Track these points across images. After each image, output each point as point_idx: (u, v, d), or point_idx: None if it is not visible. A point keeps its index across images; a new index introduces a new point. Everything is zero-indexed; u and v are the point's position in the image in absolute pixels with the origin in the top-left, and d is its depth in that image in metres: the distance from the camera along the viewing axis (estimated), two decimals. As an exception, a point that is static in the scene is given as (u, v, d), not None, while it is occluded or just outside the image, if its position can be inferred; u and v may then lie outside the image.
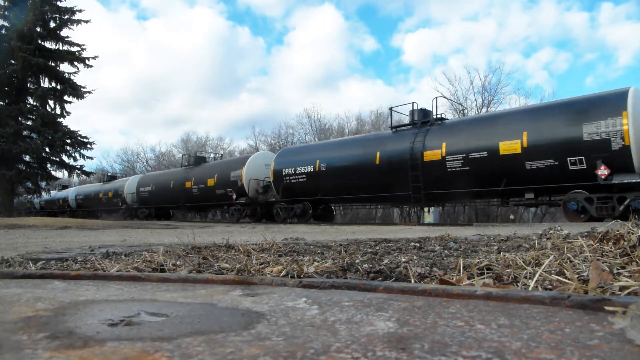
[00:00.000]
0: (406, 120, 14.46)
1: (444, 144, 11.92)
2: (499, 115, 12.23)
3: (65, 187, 35.65)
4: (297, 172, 15.51)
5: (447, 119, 13.52)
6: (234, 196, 17.87)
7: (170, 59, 75.26)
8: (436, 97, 13.29)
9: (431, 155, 12.03)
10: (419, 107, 13.75)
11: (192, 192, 20.13)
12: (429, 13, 65.26)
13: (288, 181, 15.79)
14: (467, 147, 11.40)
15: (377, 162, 13.21)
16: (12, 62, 20.63)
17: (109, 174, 32.82)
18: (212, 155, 25.76)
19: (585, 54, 57.99)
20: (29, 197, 25.87)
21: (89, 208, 28.93)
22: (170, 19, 79.58)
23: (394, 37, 70.49)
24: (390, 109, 15.30)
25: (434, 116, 13.17)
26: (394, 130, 14.07)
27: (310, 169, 15.18)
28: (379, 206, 18.10)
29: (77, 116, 77.57)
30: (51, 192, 29.85)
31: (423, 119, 13.22)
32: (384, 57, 70.96)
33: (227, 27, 78.73)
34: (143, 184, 24.35)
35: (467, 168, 11.34)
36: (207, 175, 19.57)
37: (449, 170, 11.68)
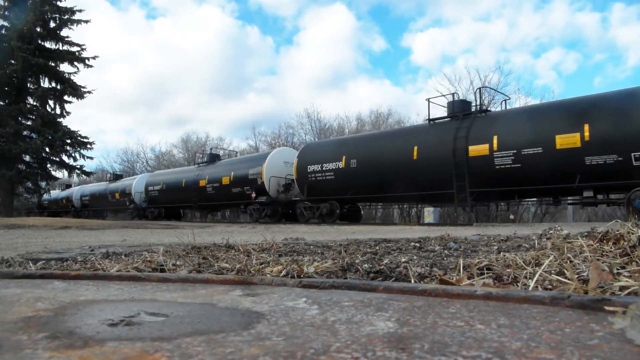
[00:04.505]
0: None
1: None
2: None
3: (68, 186, 35.35)
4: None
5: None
6: (253, 194, 17.06)
7: (178, 58, 74.55)
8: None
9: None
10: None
11: (206, 191, 19.49)
12: (441, 13, 64.84)
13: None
14: None
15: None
16: (12, 62, 20.61)
17: (116, 173, 32.29)
18: (227, 152, 25.18)
19: (595, 54, 57.81)
20: (29, 197, 25.81)
21: (94, 208, 28.21)
22: (179, 18, 78.77)
23: (405, 37, 70.08)
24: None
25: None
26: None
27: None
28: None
29: (82, 116, 76.37)
30: (51, 191, 29.63)
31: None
32: (393, 57, 70.59)
33: (236, 26, 77.98)
34: (152, 183, 23.47)
35: None
36: (223, 174, 18.92)
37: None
